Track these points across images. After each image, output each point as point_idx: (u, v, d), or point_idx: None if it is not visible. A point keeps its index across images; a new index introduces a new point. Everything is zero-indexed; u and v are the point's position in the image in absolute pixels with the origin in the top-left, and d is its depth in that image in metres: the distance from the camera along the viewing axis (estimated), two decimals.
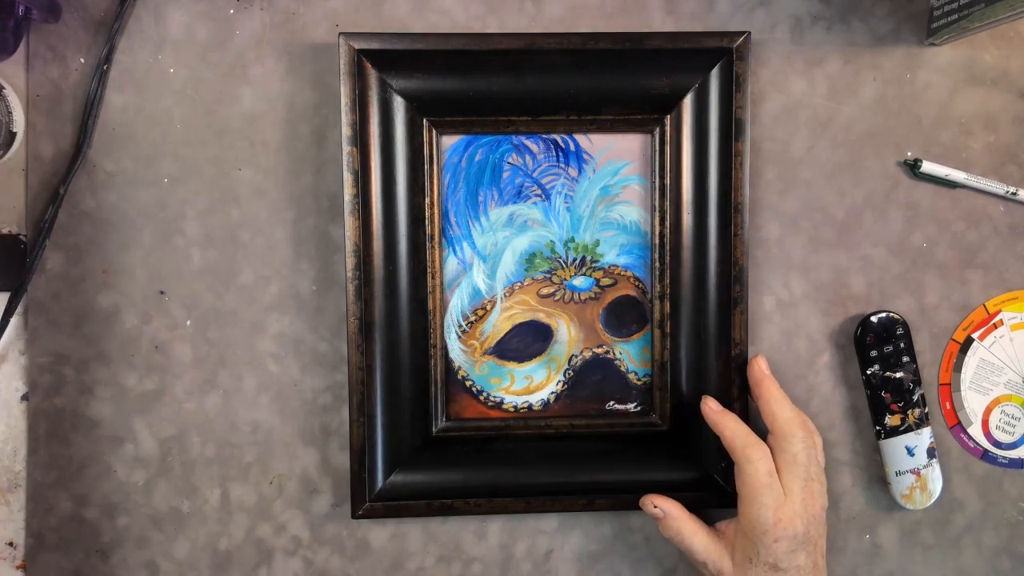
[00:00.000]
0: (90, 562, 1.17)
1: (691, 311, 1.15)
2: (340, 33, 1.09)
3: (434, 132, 1.14)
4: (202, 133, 1.15)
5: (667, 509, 1.13)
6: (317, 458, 1.19)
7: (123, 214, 1.15)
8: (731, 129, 1.12)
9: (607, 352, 1.19)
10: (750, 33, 1.12)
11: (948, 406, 1.23)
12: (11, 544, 1.17)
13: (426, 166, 1.13)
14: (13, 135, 1.10)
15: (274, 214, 1.16)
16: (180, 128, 1.15)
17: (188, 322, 1.17)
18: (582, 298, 1.18)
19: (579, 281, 1.18)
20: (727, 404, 1.15)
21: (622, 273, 1.18)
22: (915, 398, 1.18)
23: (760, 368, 1.15)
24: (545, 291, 1.18)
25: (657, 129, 1.15)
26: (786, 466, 1.08)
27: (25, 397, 1.16)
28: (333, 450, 1.19)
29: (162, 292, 1.16)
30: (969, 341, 1.22)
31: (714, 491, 1.17)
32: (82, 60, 1.14)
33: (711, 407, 1.14)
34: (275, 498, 1.19)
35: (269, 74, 1.15)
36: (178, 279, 1.16)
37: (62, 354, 1.16)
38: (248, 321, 1.17)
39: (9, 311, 1.13)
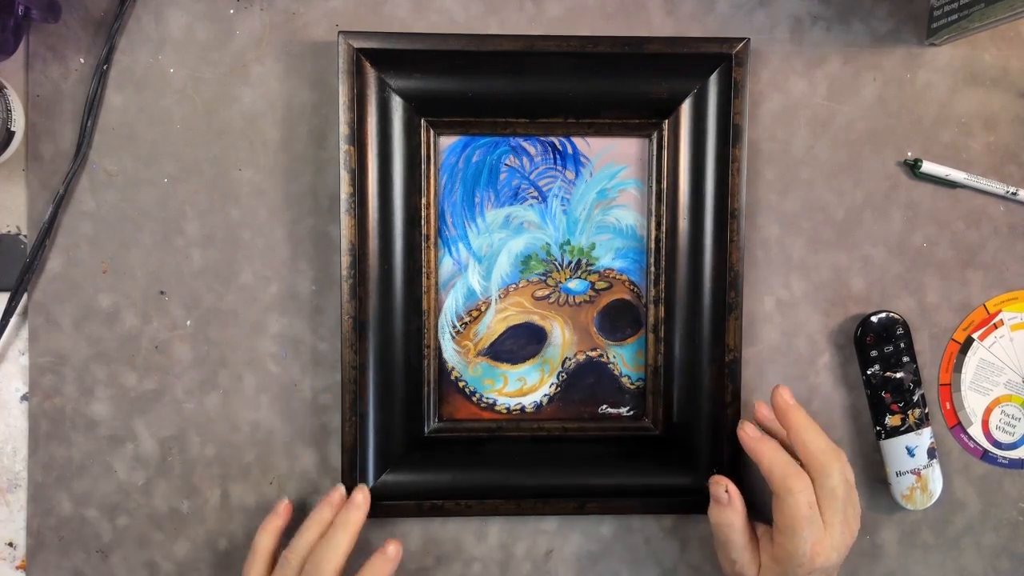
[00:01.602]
0: (90, 562, 1.18)
1: (685, 316, 1.15)
2: (340, 32, 1.09)
3: (432, 132, 1.14)
4: (202, 133, 1.16)
5: (735, 497, 1.12)
6: (317, 458, 1.19)
7: (123, 214, 1.15)
8: (729, 135, 1.12)
9: (601, 355, 1.19)
10: (749, 40, 1.12)
11: (948, 406, 1.22)
12: (11, 544, 1.18)
13: (423, 166, 1.14)
14: (12, 134, 1.10)
15: (274, 214, 1.16)
16: (180, 128, 1.15)
17: (188, 322, 1.17)
18: (577, 301, 1.18)
19: (574, 284, 1.18)
20: (719, 410, 1.15)
21: (617, 277, 1.18)
22: (915, 398, 1.18)
23: (784, 398, 1.12)
24: (540, 293, 1.18)
25: (655, 133, 1.15)
26: (824, 500, 1.06)
27: (25, 397, 1.17)
28: (332, 450, 1.19)
29: (162, 292, 1.16)
30: (969, 341, 1.22)
31: (706, 497, 1.16)
32: (82, 60, 1.14)
33: (748, 433, 1.12)
34: (275, 498, 1.19)
35: (269, 74, 1.16)
36: (178, 279, 1.16)
37: (62, 354, 1.16)
38: (248, 321, 1.17)
39: (9, 311, 1.14)
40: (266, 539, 1.13)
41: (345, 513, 1.12)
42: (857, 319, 1.19)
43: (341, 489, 1.15)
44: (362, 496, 1.13)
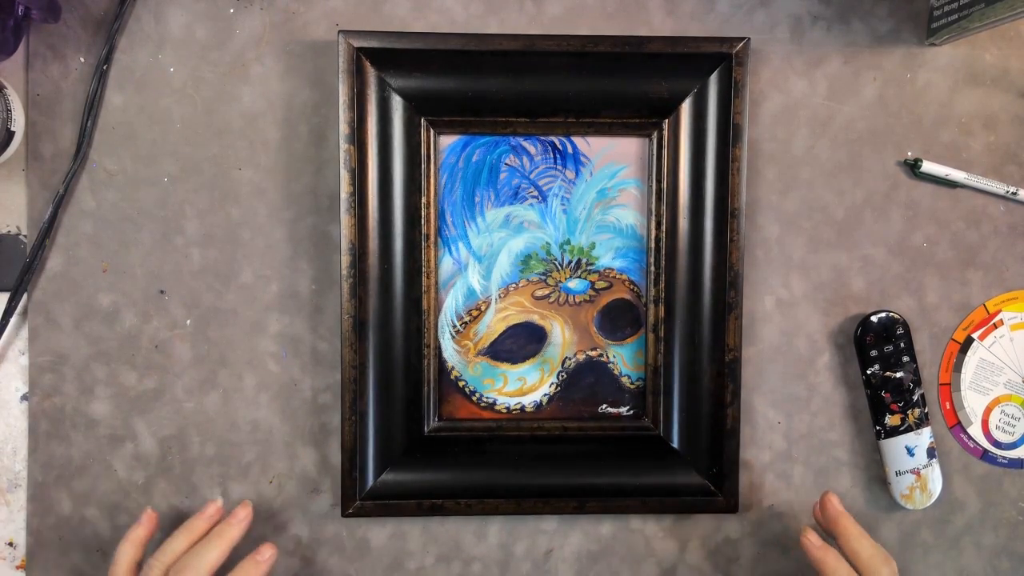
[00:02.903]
0: (90, 561, 1.18)
1: (685, 316, 1.15)
2: (340, 31, 1.09)
3: (432, 132, 1.14)
4: (202, 132, 1.16)
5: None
6: (316, 457, 1.19)
7: (123, 213, 1.15)
8: (729, 134, 1.12)
9: (600, 355, 1.19)
10: (749, 39, 1.12)
11: (948, 406, 1.22)
12: (11, 544, 1.18)
13: (423, 165, 1.14)
14: (12, 134, 1.10)
15: (274, 213, 1.16)
16: (180, 127, 1.15)
17: (188, 321, 1.17)
18: (577, 300, 1.18)
19: (574, 284, 1.18)
20: (719, 410, 1.16)
21: (617, 276, 1.18)
22: (915, 398, 1.18)
23: (834, 506, 1.15)
24: (540, 293, 1.18)
25: (655, 133, 1.15)
26: None
27: (25, 397, 1.17)
28: (333, 449, 1.19)
29: (162, 291, 1.16)
30: (969, 341, 1.22)
31: (704, 497, 1.17)
32: (82, 60, 1.14)
33: (811, 541, 1.13)
34: (275, 497, 1.19)
35: (269, 73, 1.16)
36: (178, 278, 1.16)
37: (62, 354, 1.16)
38: (248, 320, 1.17)
39: (9, 311, 1.14)
40: (129, 549, 1.11)
41: (222, 526, 1.12)
42: (857, 319, 1.19)
43: (218, 503, 1.15)
44: (244, 513, 1.13)
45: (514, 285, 1.18)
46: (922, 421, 1.18)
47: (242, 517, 1.12)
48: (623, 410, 1.20)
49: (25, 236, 1.15)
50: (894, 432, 1.18)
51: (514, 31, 1.16)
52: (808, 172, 1.19)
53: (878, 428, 1.19)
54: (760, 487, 1.21)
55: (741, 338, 1.15)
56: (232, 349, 1.18)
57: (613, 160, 1.17)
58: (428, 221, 1.14)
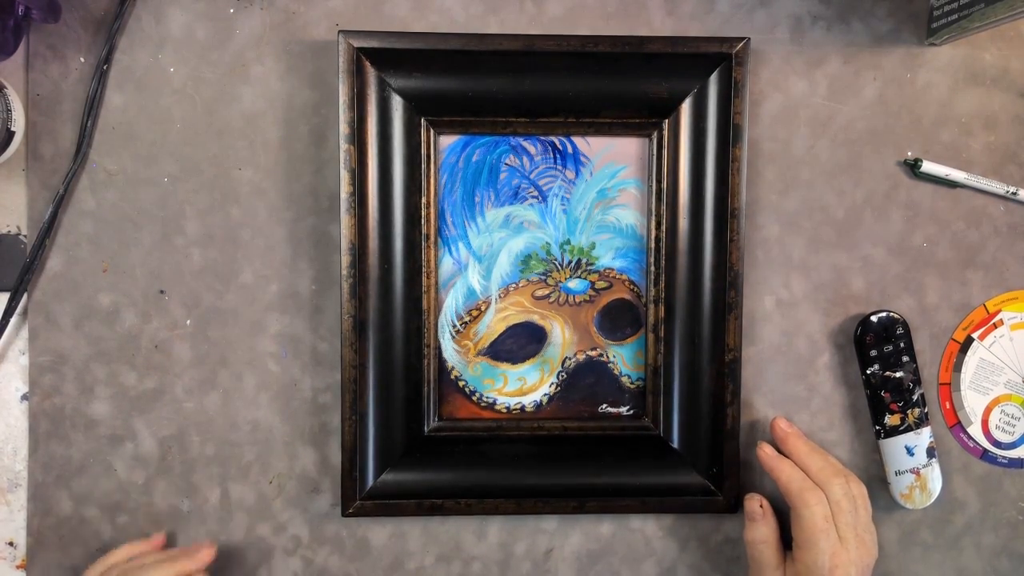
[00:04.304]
0: (90, 561, 1.17)
1: (685, 316, 1.15)
2: (340, 31, 1.09)
3: (432, 132, 1.14)
4: (202, 132, 1.15)
5: (768, 512, 1.16)
6: (316, 457, 1.19)
7: (123, 213, 1.15)
8: (729, 134, 1.12)
9: (600, 355, 1.19)
10: (749, 39, 1.12)
11: (948, 406, 1.22)
12: (11, 544, 1.18)
13: (423, 165, 1.13)
14: (12, 134, 1.10)
15: (274, 213, 1.16)
16: (180, 127, 1.15)
17: (188, 321, 1.17)
18: (577, 300, 1.18)
19: (574, 284, 1.18)
20: (720, 410, 1.16)
21: (617, 276, 1.18)
22: (915, 398, 1.18)
23: (782, 427, 1.17)
24: (540, 293, 1.18)
25: (655, 133, 1.15)
26: (833, 513, 1.09)
27: (25, 397, 1.17)
28: (333, 449, 1.19)
29: (162, 291, 1.16)
30: (969, 341, 1.22)
31: (704, 497, 1.17)
32: (82, 60, 1.14)
33: (767, 452, 1.16)
34: (275, 497, 1.19)
35: (269, 73, 1.15)
36: (178, 278, 1.16)
37: (62, 353, 1.16)
38: (248, 320, 1.17)
39: (9, 311, 1.14)
40: (120, 552, 1.14)
41: (180, 551, 1.13)
42: (857, 319, 1.19)
43: (162, 536, 1.16)
44: (207, 552, 1.12)
45: (514, 285, 1.18)
46: (922, 421, 1.18)
47: (202, 556, 1.11)
48: (623, 410, 1.20)
49: (25, 236, 1.15)
50: (894, 432, 1.18)
51: (514, 31, 1.16)
52: (808, 172, 1.19)
53: (878, 428, 1.19)
54: (760, 487, 1.21)
55: (741, 338, 1.15)
56: (232, 349, 1.18)
57: (613, 160, 1.17)
58: (428, 221, 1.14)
